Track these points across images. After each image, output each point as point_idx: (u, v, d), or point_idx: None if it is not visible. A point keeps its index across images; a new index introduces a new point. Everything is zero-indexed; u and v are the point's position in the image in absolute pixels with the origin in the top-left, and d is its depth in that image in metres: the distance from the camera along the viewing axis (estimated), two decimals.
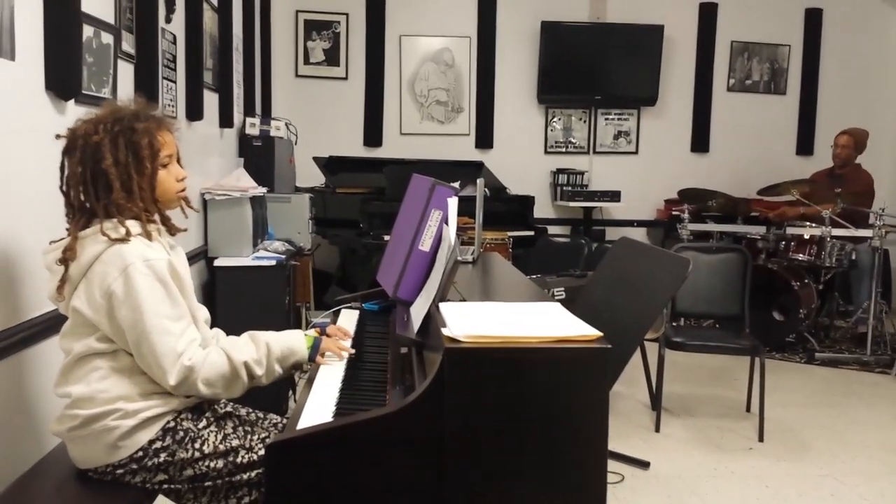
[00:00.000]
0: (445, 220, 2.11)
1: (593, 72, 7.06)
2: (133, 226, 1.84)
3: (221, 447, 1.88)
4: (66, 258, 1.80)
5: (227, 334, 2.20)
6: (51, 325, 2.17)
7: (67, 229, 1.87)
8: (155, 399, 1.85)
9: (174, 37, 3.55)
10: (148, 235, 1.87)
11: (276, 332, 2.14)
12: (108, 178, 1.82)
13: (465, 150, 6.99)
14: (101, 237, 1.80)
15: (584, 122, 7.26)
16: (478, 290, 2.59)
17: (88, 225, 1.84)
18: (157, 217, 1.93)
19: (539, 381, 1.57)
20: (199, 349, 1.88)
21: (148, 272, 1.79)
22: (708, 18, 7.20)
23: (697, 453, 3.72)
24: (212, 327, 2.18)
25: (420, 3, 6.93)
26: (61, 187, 1.88)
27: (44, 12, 2.21)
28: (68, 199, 1.87)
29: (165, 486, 1.86)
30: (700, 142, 7.33)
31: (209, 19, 4.14)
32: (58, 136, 1.88)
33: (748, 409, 4.32)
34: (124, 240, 1.80)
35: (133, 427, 1.81)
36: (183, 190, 1.99)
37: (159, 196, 1.92)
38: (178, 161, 1.99)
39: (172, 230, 2.01)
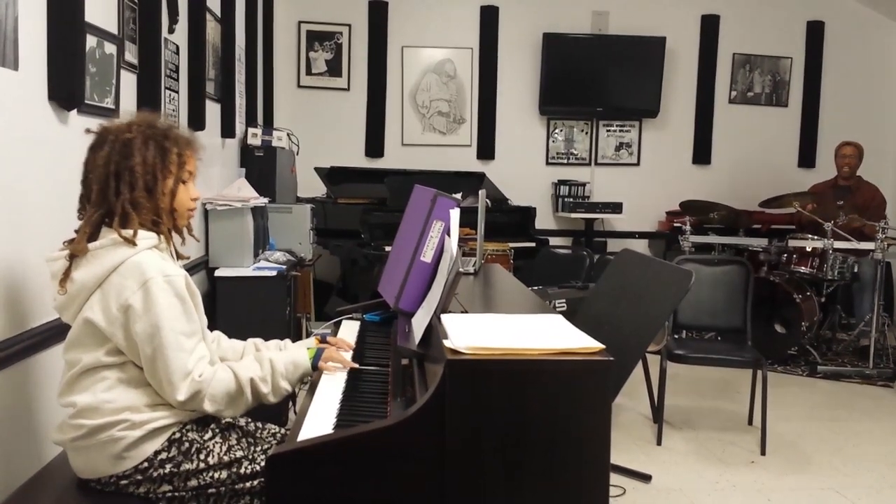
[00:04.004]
0: (447, 231, 2.11)
1: (595, 83, 7.07)
2: (146, 236, 1.85)
3: (226, 458, 1.88)
4: (74, 252, 1.81)
5: None
6: (53, 334, 2.17)
7: (76, 230, 1.88)
8: (161, 410, 1.85)
9: (177, 47, 3.56)
10: (168, 241, 1.91)
11: (279, 347, 2.16)
12: (132, 175, 1.85)
13: (466, 161, 6.99)
14: (119, 244, 1.81)
15: (586, 133, 7.26)
16: (479, 301, 2.59)
17: (100, 222, 1.85)
18: (166, 229, 1.94)
19: (541, 393, 1.57)
20: (208, 366, 1.89)
21: (167, 287, 1.81)
22: (710, 31, 7.22)
23: (699, 466, 3.70)
24: (212, 330, 2.19)
25: (422, 14, 6.95)
26: (83, 181, 1.89)
27: (47, 22, 2.21)
28: (87, 194, 1.88)
29: (169, 494, 1.86)
30: (702, 154, 7.33)
31: (212, 30, 4.15)
32: (88, 131, 1.91)
33: (750, 422, 4.30)
34: (132, 242, 1.81)
35: (139, 438, 1.81)
36: (193, 210, 2.02)
37: (175, 206, 1.94)
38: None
39: (179, 255, 2.03)
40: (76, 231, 1.88)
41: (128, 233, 1.82)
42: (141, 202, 1.85)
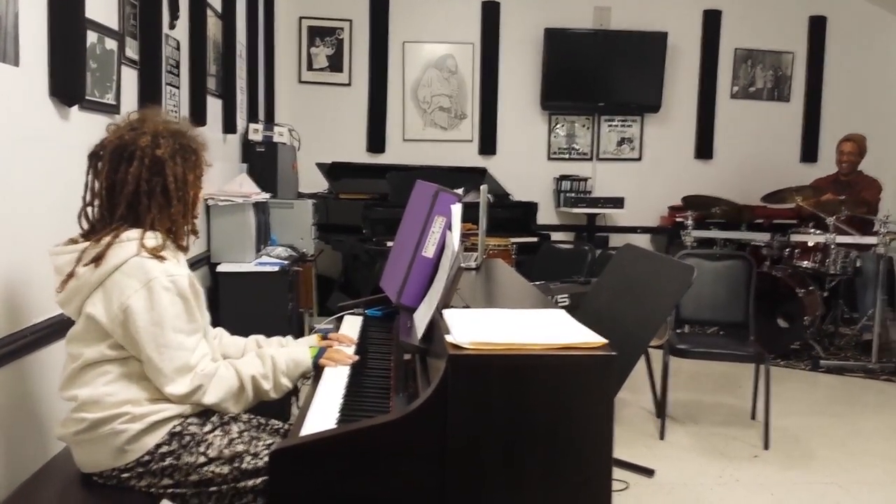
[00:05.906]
0: (449, 227, 2.11)
1: (597, 79, 7.06)
2: (149, 236, 1.86)
3: (227, 452, 1.87)
4: (94, 262, 1.80)
5: None
6: (54, 329, 2.17)
7: (86, 234, 1.88)
8: (162, 403, 1.85)
9: (178, 43, 3.56)
10: (181, 249, 1.94)
11: (281, 344, 2.16)
12: (166, 193, 1.88)
13: (468, 156, 6.99)
14: (123, 243, 1.81)
15: (588, 128, 7.25)
16: (481, 296, 2.59)
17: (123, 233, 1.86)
18: (177, 230, 1.96)
19: (543, 388, 1.56)
20: (211, 363, 1.90)
21: (171, 286, 1.82)
22: (712, 26, 7.21)
23: (702, 461, 3.70)
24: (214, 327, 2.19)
25: (423, 9, 6.95)
26: (100, 192, 1.88)
27: (48, 18, 2.21)
28: (109, 206, 1.87)
29: (171, 490, 1.86)
30: (704, 149, 7.33)
31: (213, 25, 4.14)
32: (110, 142, 1.88)
33: (753, 417, 4.30)
34: (160, 257, 1.83)
35: (140, 431, 1.81)
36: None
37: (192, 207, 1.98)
38: None
39: (183, 249, 2.02)
40: (87, 234, 1.88)
41: (158, 240, 1.85)
42: (177, 218, 1.91)
